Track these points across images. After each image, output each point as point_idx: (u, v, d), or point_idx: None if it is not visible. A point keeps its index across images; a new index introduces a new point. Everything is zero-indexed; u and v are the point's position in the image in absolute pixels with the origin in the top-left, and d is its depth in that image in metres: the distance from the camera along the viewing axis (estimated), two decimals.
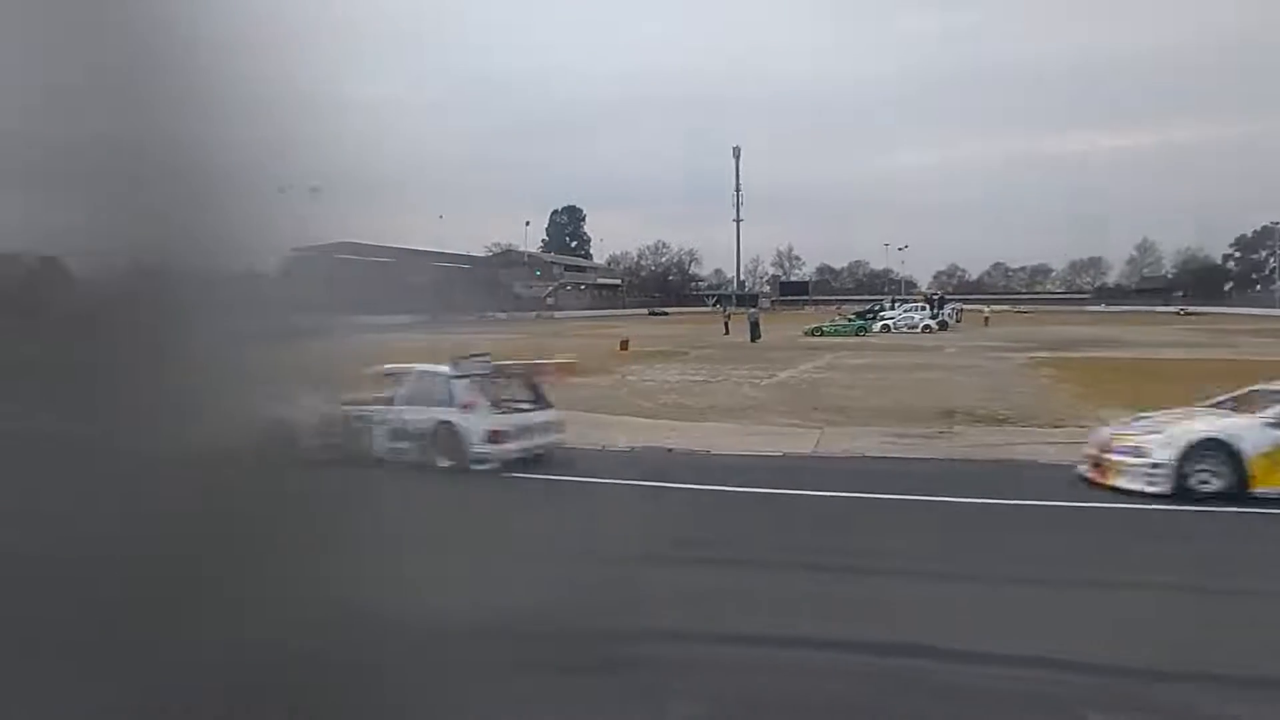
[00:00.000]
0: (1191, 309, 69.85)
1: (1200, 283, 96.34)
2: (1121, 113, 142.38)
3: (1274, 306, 74.23)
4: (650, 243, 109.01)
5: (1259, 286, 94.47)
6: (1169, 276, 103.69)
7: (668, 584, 4.83)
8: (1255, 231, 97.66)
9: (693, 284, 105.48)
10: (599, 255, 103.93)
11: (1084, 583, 5.07)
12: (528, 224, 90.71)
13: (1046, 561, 5.53)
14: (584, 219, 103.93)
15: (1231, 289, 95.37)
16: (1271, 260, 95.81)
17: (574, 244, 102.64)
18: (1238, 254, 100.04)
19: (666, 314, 48.02)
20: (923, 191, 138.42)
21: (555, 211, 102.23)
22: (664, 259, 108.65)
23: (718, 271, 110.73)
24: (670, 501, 7.26)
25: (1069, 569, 5.34)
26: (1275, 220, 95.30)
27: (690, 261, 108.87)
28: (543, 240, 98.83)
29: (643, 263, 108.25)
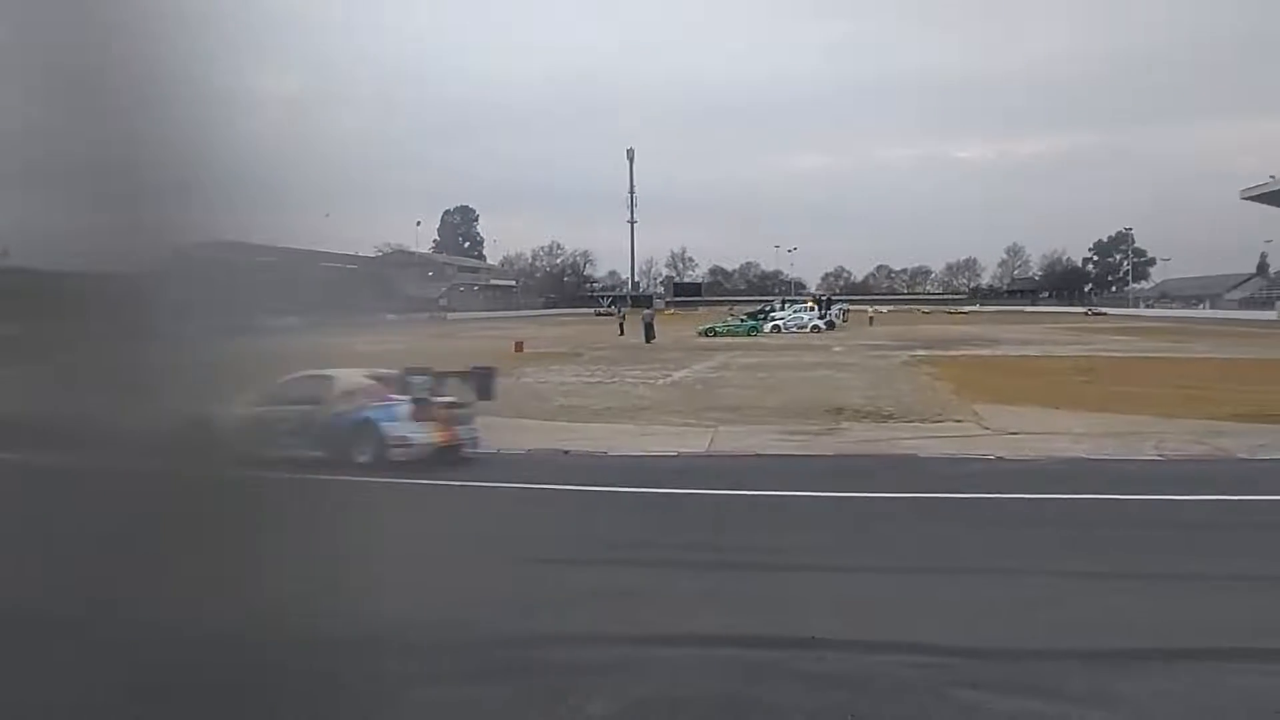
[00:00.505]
0: (1098, 309, 76.20)
1: (1064, 284, 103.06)
2: (998, 123, 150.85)
3: (1126, 305, 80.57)
4: (545, 244, 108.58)
5: (1114, 288, 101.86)
6: (1036, 278, 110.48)
7: (572, 586, 4.80)
8: (1110, 236, 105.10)
9: (588, 285, 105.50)
10: (493, 256, 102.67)
11: (970, 570, 5.33)
12: (419, 224, 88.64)
13: (935, 551, 5.77)
14: (477, 219, 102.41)
15: (1091, 289, 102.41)
16: (1125, 263, 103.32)
17: (467, 244, 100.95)
18: (1096, 257, 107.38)
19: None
20: (812, 195, 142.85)
21: (447, 211, 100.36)
22: (559, 260, 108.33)
23: (612, 273, 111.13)
24: (569, 504, 7.22)
25: (956, 558, 5.60)
26: (1128, 226, 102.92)
27: (585, 263, 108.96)
28: (434, 240, 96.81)
29: (537, 264, 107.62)
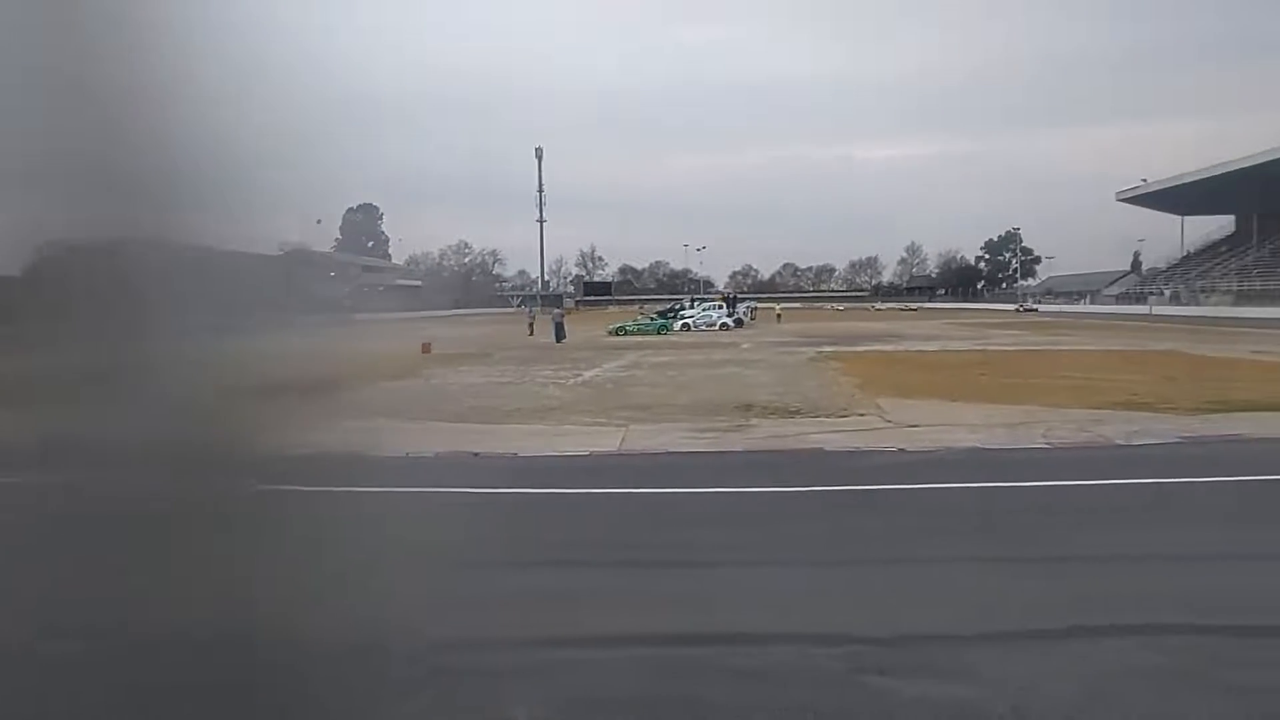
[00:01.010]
0: (1029, 306, 79.68)
1: (960, 281, 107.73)
2: (897, 126, 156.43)
3: (1014, 301, 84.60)
4: (452, 243, 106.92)
5: (1004, 285, 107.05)
6: (933, 275, 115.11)
7: (489, 590, 4.70)
8: (1000, 236, 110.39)
9: (497, 285, 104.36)
10: (398, 255, 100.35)
11: (879, 559, 5.48)
12: (319, 221, 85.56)
13: (844, 542, 5.92)
14: (381, 217, 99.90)
15: (983, 286, 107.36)
16: (1014, 261, 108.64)
17: (371, 243, 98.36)
18: (987, 255, 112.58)
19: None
20: (721, 194, 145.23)
21: (350, 209, 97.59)
22: (467, 259, 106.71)
23: (522, 272, 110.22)
24: (480, 507, 7.10)
25: (864, 548, 5.75)
26: (1016, 226, 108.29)
27: (494, 262, 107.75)
28: (336, 239, 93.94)
29: (445, 263, 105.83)
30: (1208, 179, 66.08)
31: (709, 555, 5.59)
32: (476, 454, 9.38)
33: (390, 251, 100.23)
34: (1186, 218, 79.31)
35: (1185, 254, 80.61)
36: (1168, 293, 70.15)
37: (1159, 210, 79.60)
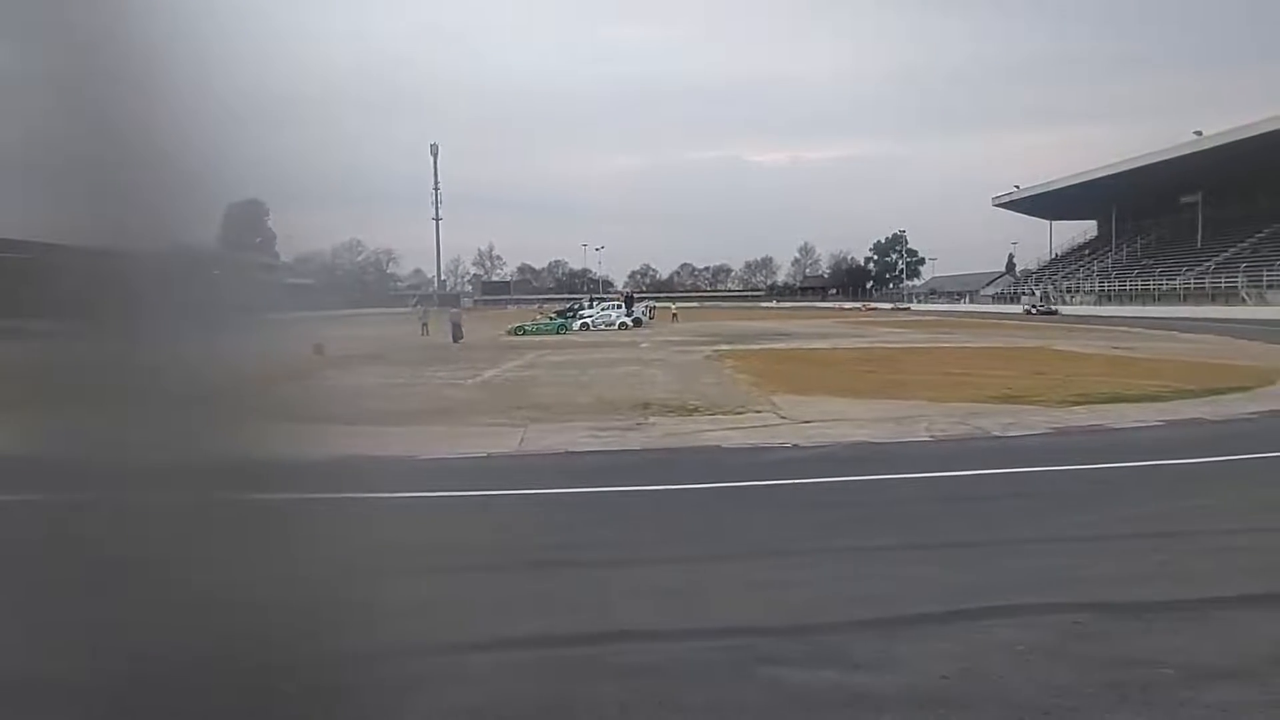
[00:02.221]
0: (902, 306, 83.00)
1: (850, 281, 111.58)
2: (790, 130, 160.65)
3: (902, 300, 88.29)
4: (345, 240, 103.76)
5: (892, 285, 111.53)
6: (825, 276, 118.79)
7: (387, 597, 4.58)
8: (888, 238, 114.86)
9: (392, 284, 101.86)
10: (286, 253, 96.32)
11: (771, 552, 5.62)
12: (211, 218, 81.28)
13: (738, 537, 6.05)
14: (267, 215, 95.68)
15: (871, 286, 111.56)
16: (900, 262, 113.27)
17: (259, 239, 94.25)
18: (876, 256, 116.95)
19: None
20: (619, 194, 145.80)
21: (232, 205, 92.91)
22: (360, 258, 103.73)
23: (418, 271, 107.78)
24: (377, 511, 6.89)
25: (758, 542, 5.89)
26: (902, 229, 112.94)
27: (388, 261, 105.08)
28: (217, 236, 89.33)
29: (337, 261, 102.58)
30: (1072, 186, 70.57)
31: (605, 554, 5.62)
32: (372, 457, 9.11)
33: (278, 250, 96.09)
34: (1055, 222, 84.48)
35: (1054, 256, 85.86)
36: (1038, 292, 74.58)
37: (1030, 215, 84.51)
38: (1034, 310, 60.86)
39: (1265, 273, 50.07)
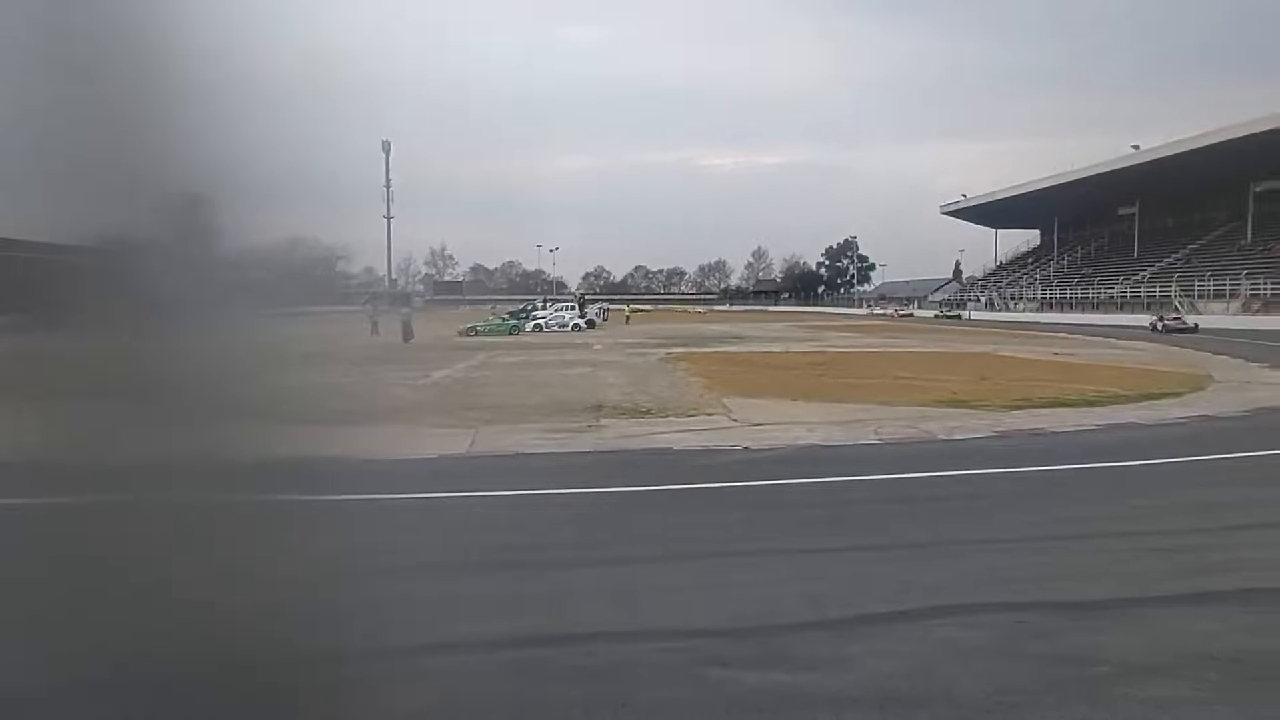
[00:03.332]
0: (906, 312, 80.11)
1: (803, 285, 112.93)
2: (744, 134, 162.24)
3: (851, 305, 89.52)
4: (294, 236, 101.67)
5: (843, 290, 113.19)
6: (778, 280, 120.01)
7: (333, 600, 4.49)
8: (839, 243, 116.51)
9: (343, 282, 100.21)
10: (232, 248, 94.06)
11: (725, 554, 5.64)
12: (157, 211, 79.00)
13: (692, 539, 6.06)
14: (212, 209, 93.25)
15: (823, 291, 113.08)
16: (851, 267, 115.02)
17: (202, 234, 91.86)
18: (827, 262, 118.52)
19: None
20: (574, 195, 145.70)
21: (175, 199, 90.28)
22: (309, 255, 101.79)
23: (369, 269, 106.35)
24: (324, 514, 6.76)
25: (712, 544, 5.90)
26: (854, 235, 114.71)
27: (338, 259, 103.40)
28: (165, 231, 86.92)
29: (286, 257, 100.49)
30: (1016, 196, 72.43)
31: (558, 555, 5.58)
32: (317, 458, 8.92)
33: (223, 244, 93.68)
34: (1000, 231, 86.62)
35: (999, 264, 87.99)
36: (983, 299, 76.32)
37: (977, 223, 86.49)
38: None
39: (1197, 282, 51.94)
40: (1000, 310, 70.15)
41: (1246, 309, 46.59)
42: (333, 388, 15.92)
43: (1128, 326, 45.04)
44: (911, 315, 75.56)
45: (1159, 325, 42.11)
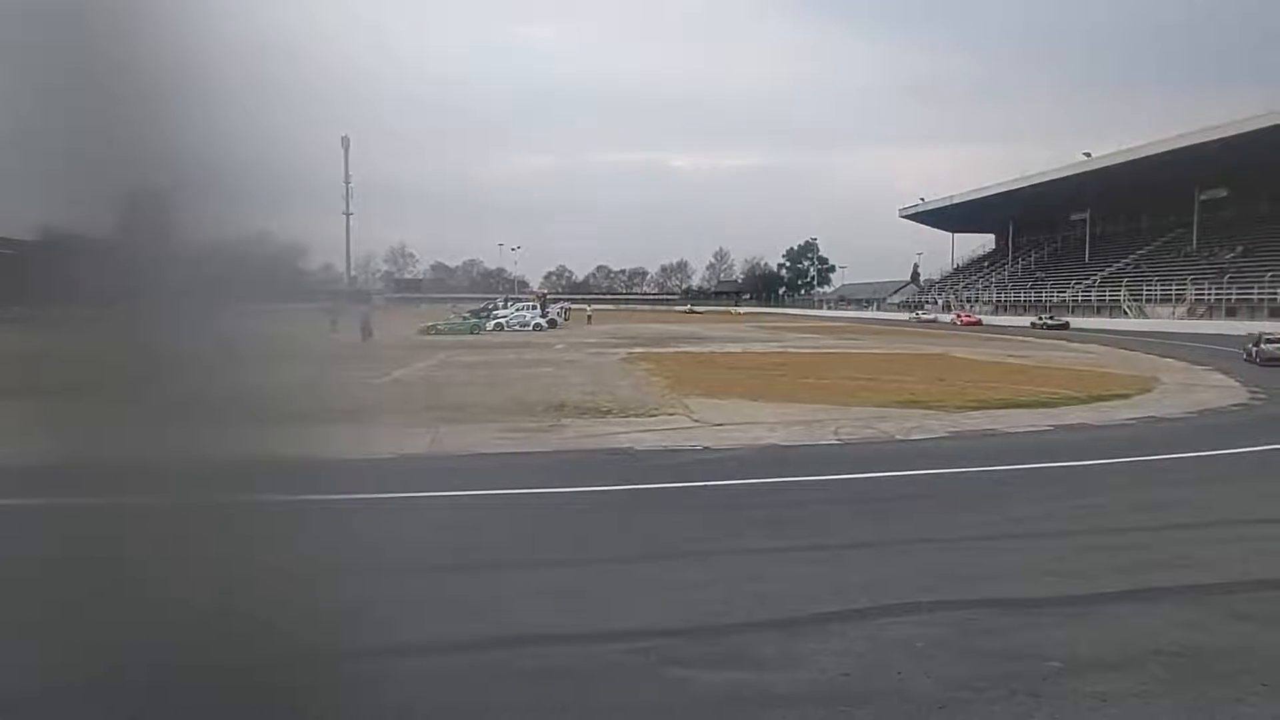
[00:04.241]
0: (927, 317, 68.38)
1: (764, 286, 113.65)
2: (706, 136, 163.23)
3: (812, 307, 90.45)
4: (253, 232, 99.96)
5: (803, 291, 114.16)
6: (739, 281, 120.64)
7: (281, 603, 4.40)
8: (800, 245, 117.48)
9: (301, 279, 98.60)
10: (190, 243, 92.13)
11: (681, 554, 5.65)
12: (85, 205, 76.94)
13: (649, 539, 6.07)
14: (169, 202, 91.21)
15: (784, 292, 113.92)
16: (811, 269, 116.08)
17: (160, 229, 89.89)
18: (788, 263, 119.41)
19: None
20: (536, 195, 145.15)
21: (131, 193, 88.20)
22: (269, 250, 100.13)
23: (327, 267, 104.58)
24: (281, 515, 6.64)
25: (668, 544, 5.92)
26: (814, 237, 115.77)
27: (297, 255, 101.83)
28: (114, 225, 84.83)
29: (244, 253, 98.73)
30: (972, 201, 73.63)
31: (514, 556, 5.55)
32: (271, 458, 8.77)
33: (182, 239, 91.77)
34: (957, 234, 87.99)
35: (955, 267, 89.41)
36: (940, 301, 77.51)
37: (935, 227, 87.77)
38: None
39: (1145, 287, 53.30)
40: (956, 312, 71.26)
41: (1192, 313, 47.90)
42: (288, 386, 15.61)
43: (1079, 330, 46.15)
44: (980, 323, 60.35)
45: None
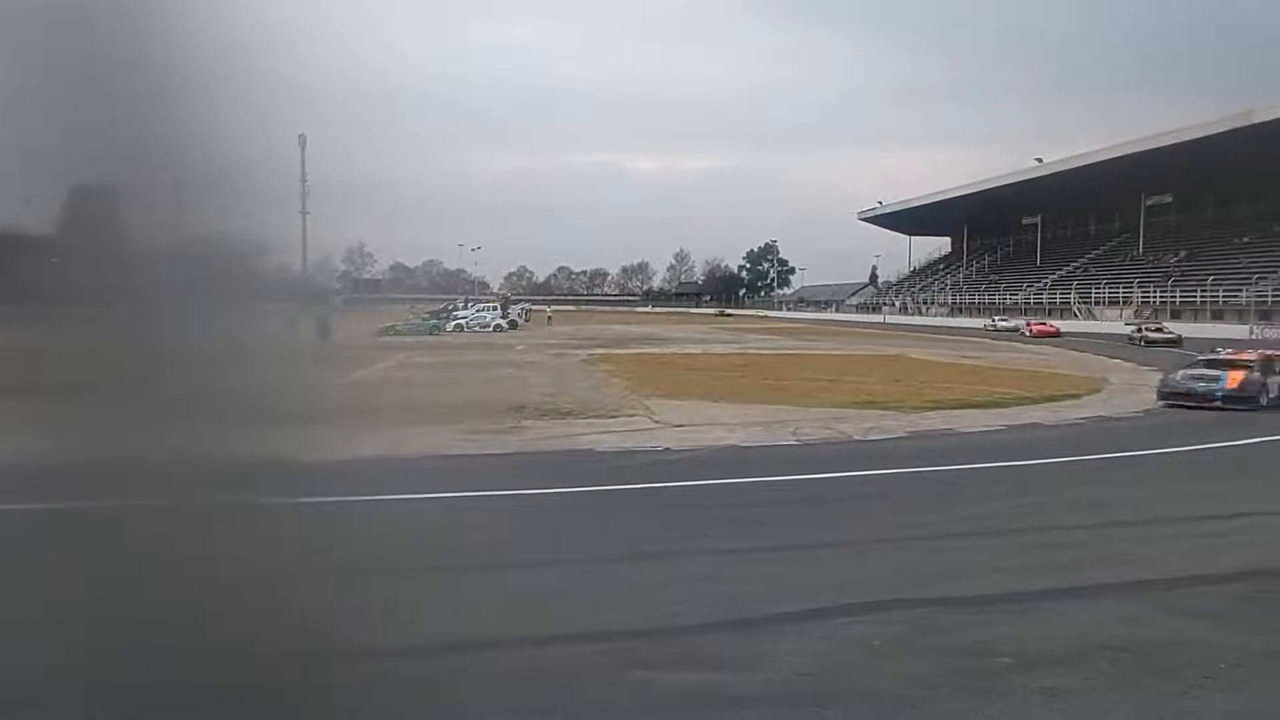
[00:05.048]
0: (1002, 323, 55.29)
1: (724, 288, 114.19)
2: (667, 138, 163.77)
3: (771, 308, 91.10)
4: (209, 231, 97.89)
5: (764, 293, 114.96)
6: (700, 282, 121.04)
7: (239, 607, 4.33)
8: (760, 247, 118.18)
9: (256, 278, 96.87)
10: (145, 242, 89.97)
11: (640, 556, 5.69)
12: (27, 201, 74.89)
13: (608, 541, 6.09)
14: (118, 200, 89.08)
15: (744, 294, 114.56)
16: (771, 271, 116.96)
17: (107, 226, 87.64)
18: (748, 265, 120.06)
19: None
20: (496, 195, 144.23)
21: (77, 188, 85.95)
22: (226, 250, 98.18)
23: (283, 266, 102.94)
24: (233, 519, 6.52)
25: (628, 546, 5.95)
26: (774, 239, 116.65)
27: (254, 254, 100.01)
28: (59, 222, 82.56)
29: (202, 252, 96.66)
30: (928, 204, 74.81)
31: (469, 559, 5.51)
32: (227, 460, 8.61)
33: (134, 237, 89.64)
34: (914, 237, 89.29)
35: (912, 270, 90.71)
36: (898, 303, 78.64)
37: (892, 230, 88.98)
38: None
39: (1094, 290, 54.65)
40: (913, 314, 72.31)
41: (1138, 315, 49.24)
42: (245, 388, 15.33)
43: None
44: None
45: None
